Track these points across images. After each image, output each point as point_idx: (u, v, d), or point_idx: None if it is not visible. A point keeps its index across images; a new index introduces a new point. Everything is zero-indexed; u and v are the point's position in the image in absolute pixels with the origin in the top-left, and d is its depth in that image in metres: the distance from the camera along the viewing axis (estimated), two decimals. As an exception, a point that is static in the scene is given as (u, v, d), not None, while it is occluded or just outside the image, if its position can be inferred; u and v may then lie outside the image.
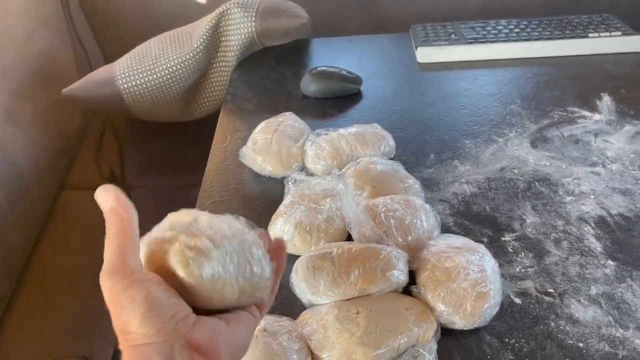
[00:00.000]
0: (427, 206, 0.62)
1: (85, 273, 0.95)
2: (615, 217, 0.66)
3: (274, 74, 1.04)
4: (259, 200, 0.73)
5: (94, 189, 1.18)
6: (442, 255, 0.55)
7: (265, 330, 0.50)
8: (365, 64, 1.04)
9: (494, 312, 0.52)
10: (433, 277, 0.54)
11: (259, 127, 0.80)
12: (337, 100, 0.93)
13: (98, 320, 0.87)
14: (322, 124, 0.86)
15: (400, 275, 0.54)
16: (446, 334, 0.53)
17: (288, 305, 0.57)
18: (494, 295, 0.52)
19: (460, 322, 0.51)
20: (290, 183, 0.70)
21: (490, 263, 0.54)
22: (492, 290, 0.51)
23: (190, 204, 0.76)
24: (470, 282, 0.51)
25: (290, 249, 0.62)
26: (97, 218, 1.12)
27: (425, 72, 1.01)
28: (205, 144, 0.87)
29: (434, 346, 0.51)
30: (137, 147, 1.25)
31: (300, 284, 0.55)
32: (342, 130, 0.77)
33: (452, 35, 1.04)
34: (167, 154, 1.20)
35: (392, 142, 0.77)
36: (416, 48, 1.03)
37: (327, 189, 0.66)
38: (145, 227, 1.12)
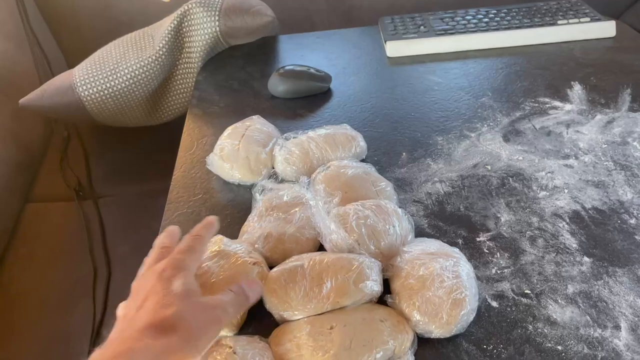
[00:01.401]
0: (400, 210, 0.61)
1: (52, 291, 0.92)
2: (589, 211, 0.65)
3: (241, 73, 1.01)
4: (228, 210, 0.70)
5: (61, 200, 1.13)
6: (416, 262, 0.53)
7: (235, 353, 0.48)
8: (335, 60, 1.02)
9: (471, 319, 0.51)
10: (407, 285, 0.52)
11: (225, 133, 0.77)
12: (307, 100, 0.91)
13: (68, 339, 0.84)
14: (292, 125, 0.84)
15: (373, 286, 0.52)
16: (423, 343, 0.51)
17: (260, 321, 0.55)
18: (470, 302, 0.50)
19: (437, 331, 0.50)
20: (257, 193, 0.68)
21: (465, 268, 0.53)
22: (467, 296, 0.50)
23: (159, 212, 0.73)
24: (446, 290, 0.50)
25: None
26: (64, 230, 1.08)
27: (395, 66, 0.99)
28: (174, 147, 0.85)
29: (411, 358, 0.49)
30: (104, 154, 1.21)
31: (272, 299, 0.53)
32: (311, 133, 0.75)
33: (421, 27, 1.02)
34: (135, 160, 1.17)
35: (362, 143, 0.75)
36: (385, 42, 1.01)
37: (296, 197, 0.64)
38: (115, 237, 1.08)
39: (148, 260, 0.52)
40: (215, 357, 0.48)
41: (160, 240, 0.54)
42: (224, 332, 0.53)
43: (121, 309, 0.48)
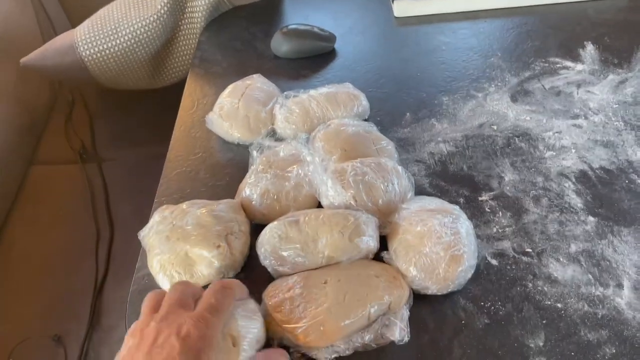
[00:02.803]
0: (400, 168, 0.59)
1: (56, 252, 0.92)
2: (596, 171, 0.63)
3: (244, 34, 0.99)
4: (228, 169, 0.69)
5: (65, 163, 1.13)
6: (413, 218, 0.52)
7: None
8: (341, 21, 0.99)
9: (469, 276, 0.50)
10: (404, 241, 0.51)
11: (225, 91, 0.76)
12: (310, 60, 0.89)
13: (70, 299, 0.85)
14: (295, 86, 0.82)
15: (369, 242, 0.51)
16: (419, 299, 0.51)
17: (256, 276, 0.54)
18: (468, 258, 0.49)
19: (433, 287, 0.49)
20: (254, 151, 0.66)
21: (464, 225, 0.51)
22: (466, 253, 0.49)
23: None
24: (443, 246, 0.49)
25: (259, 218, 0.59)
26: (68, 193, 1.08)
27: (403, 26, 0.96)
28: (176, 111, 0.83)
29: (406, 313, 0.49)
30: (108, 118, 1.20)
31: (267, 254, 0.52)
32: (312, 92, 0.73)
33: (430, -13, 0.99)
34: (139, 124, 1.16)
35: (365, 102, 0.73)
36: (392, 2, 0.98)
37: (294, 154, 0.62)
38: (117, 200, 1.08)
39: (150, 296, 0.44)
40: None
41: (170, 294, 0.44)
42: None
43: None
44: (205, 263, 0.53)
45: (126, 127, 1.19)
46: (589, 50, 0.83)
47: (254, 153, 0.66)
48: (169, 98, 1.13)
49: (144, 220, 0.69)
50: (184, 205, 0.57)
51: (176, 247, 0.52)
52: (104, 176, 1.06)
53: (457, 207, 0.54)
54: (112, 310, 0.82)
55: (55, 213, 0.99)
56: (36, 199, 1.02)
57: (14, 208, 0.99)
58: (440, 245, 0.48)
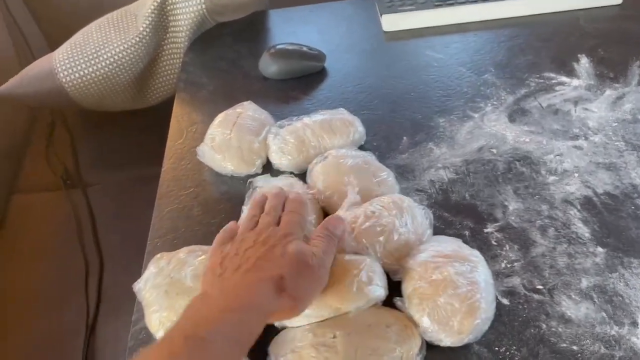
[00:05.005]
0: (416, 206, 0.57)
1: (42, 287, 0.89)
2: (601, 197, 0.62)
3: (230, 53, 0.96)
4: (222, 204, 0.67)
5: (47, 190, 1.07)
6: (429, 264, 0.50)
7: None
8: (328, 36, 0.97)
9: (485, 328, 0.48)
10: (418, 289, 0.49)
11: (216, 121, 0.73)
12: (300, 81, 0.86)
13: (60, 339, 0.82)
14: (286, 109, 0.80)
15: (377, 291, 0.49)
16: (432, 347, 0.49)
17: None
18: (485, 311, 0.47)
19: (447, 340, 0.47)
20: (246, 198, 0.63)
21: (482, 274, 0.49)
22: (482, 305, 0.47)
23: (150, 199, 0.70)
24: (459, 297, 0.47)
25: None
26: (52, 222, 1.04)
27: (392, 41, 0.94)
28: (162, 131, 0.81)
29: (420, 364, 0.47)
30: (90, 140, 1.16)
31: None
32: (306, 119, 0.71)
33: (419, -1, 0.97)
34: (123, 145, 1.13)
35: (361, 128, 0.71)
36: (381, 15, 0.96)
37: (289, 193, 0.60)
38: (105, 227, 1.04)
39: (244, 222, 0.53)
40: None
41: (264, 204, 0.55)
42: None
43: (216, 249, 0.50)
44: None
45: (109, 148, 1.15)
46: (583, 63, 0.82)
47: (247, 199, 0.63)
48: (151, 117, 1.10)
49: (134, 249, 0.67)
50: (181, 254, 0.54)
51: (175, 304, 0.50)
52: (90, 202, 1.02)
53: (476, 253, 0.52)
54: (106, 349, 0.79)
55: (40, 245, 0.96)
56: (19, 230, 0.98)
57: (-4, 241, 0.95)
58: (456, 296, 0.47)
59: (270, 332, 0.50)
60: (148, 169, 0.80)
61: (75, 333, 0.81)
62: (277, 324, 0.51)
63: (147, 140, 0.96)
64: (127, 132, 1.15)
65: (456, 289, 0.47)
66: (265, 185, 0.62)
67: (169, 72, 1.02)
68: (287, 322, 0.50)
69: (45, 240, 0.96)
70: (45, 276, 0.89)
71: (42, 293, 0.87)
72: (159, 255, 0.55)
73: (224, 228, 0.54)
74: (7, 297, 0.86)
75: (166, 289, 0.51)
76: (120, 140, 1.15)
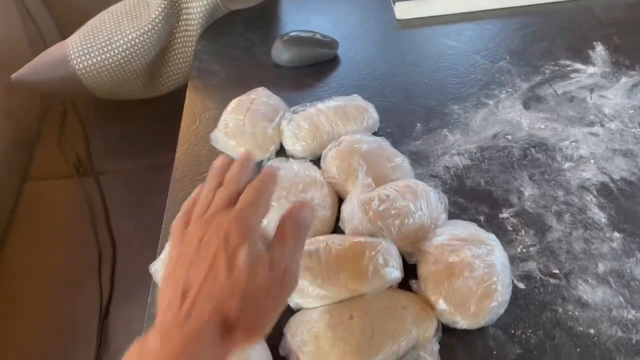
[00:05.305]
0: (431, 190, 0.57)
1: (57, 273, 0.89)
2: (617, 183, 0.62)
3: (242, 41, 0.95)
4: (236, 189, 0.67)
5: (60, 177, 1.08)
6: (445, 247, 0.50)
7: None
8: (341, 24, 0.97)
9: (501, 311, 0.48)
10: (435, 272, 0.49)
11: (229, 107, 0.73)
12: (313, 68, 0.86)
13: (75, 323, 0.82)
14: (299, 96, 0.80)
15: (393, 272, 0.49)
16: (448, 330, 0.49)
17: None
18: (502, 294, 0.47)
19: (462, 322, 0.47)
20: None
21: (499, 257, 0.49)
22: (499, 288, 0.47)
23: (163, 187, 0.70)
24: (476, 280, 0.47)
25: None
26: (65, 209, 1.04)
27: (406, 29, 0.94)
28: (175, 119, 0.81)
29: (436, 346, 0.47)
30: (103, 128, 1.16)
31: (287, 286, 0.50)
32: (320, 105, 0.71)
33: (432, -14, 0.96)
34: (135, 134, 1.13)
35: (375, 115, 0.71)
36: (394, 3, 0.96)
37: (306, 176, 0.60)
38: (118, 214, 1.05)
39: (201, 197, 0.45)
40: None
41: (224, 175, 0.46)
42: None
43: (173, 239, 0.44)
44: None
45: (122, 136, 1.15)
46: (599, 51, 0.81)
47: None
48: (163, 106, 1.10)
49: (147, 236, 0.67)
50: (196, 237, 0.54)
51: (192, 284, 0.50)
52: (102, 190, 1.03)
53: (493, 236, 0.52)
54: (120, 333, 0.80)
55: (53, 232, 0.96)
56: (33, 218, 0.99)
57: (9, 228, 0.96)
58: (472, 279, 0.47)
59: (287, 313, 0.51)
60: (160, 157, 0.80)
61: (89, 317, 0.81)
62: (292, 304, 0.51)
63: (159, 129, 0.96)
64: (139, 121, 1.15)
65: (473, 271, 0.47)
66: (279, 166, 0.62)
67: (181, 60, 1.02)
68: (304, 304, 0.50)
69: (58, 227, 0.97)
70: (58, 262, 0.90)
71: (56, 279, 0.88)
72: (174, 238, 0.55)
73: (182, 206, 0.47)
74: (21, 283, 0.87)
75: (182, 271, 0.51)
76: (132, 129, 1.15)
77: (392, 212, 0.53)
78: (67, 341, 0.79)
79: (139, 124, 1.14)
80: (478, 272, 0.47)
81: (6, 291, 0.85)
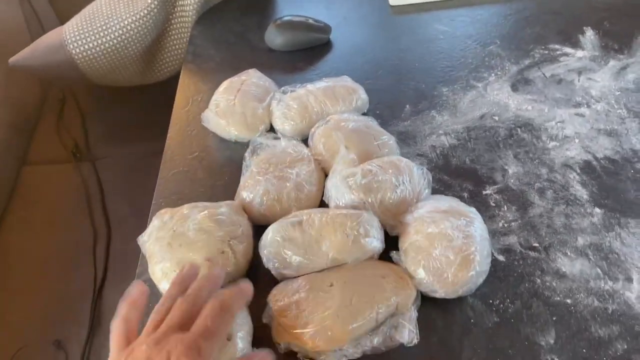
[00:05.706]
0: (413, 166, 0.57)
1: (52, 254, 0.91)
2: (601, 161, 0.62)
3: (237, 26, 0.96)
4: (226, 168, 0.68)
5: (58, 162, 1.10)
6: (426, 219, 0.50)
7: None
8: (335, 10, 0.97)
9: (480, 281, 0.49)
10: (414, 243, 0.50)
11: (221, 88, 0.74)
12: (306, 52, 0.87)
13: (69, 302, 0.84)
14: (291, 79, 0.81)
15: (373, 242, 0.50)
16: (427, 299, 0.50)
17: (259, 279, 0.53)
18: (480, 264, 0.48)
19: (441, 291, 0.48)
20: (247, 154, 0.64)
21: (479, 229, 0.50)
22: (477, 258, 0.48)
23: (157, 172, 0.71)
24: (454, 249, 0.47)
25: (259, 220, 0.58)
26: (62, 193, 1.06)
27: (399, 15, 0.95)
28: (171, 106, 0.82)
29: (414, 314, 0.48)
30: (100, 115, 1.18)
31: (271, 257, 0.51)
32: (309, 86, 0.72)
33: (425, -27, 0.97)
34: (132, 121, 1.14)
35: (364, 96, 0.72)
36: (387, -11, 0.96)
37: (293, 153, 0.61)
38: (114, 199, 1.06)
39: (156, 306, 0.43)
40: None
41: (188, 284, 0.44)
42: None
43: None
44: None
45: (119, 123, 1.17)
46: (589, 35, 0.82)
47: (246, 156, 0.64)
48: (161, 93, 1.11)
49: (141, 219, 0.68)
50: (184, 209, 0.56)
51: (178, 254, 0.51)
52: (99, 175, 1.04)
53: (473, 210, 0.53)
54: (112, 313, 0.81)
55: (50, 214, 0.98)
56: (30, 201, 1.00)
57: (7, 211, 0.98)
58: (450, 248, 0.47)
59: (270, 283, 0.52)
60: (156, 143, 0.81)
61: (83, 296, 0.83)
62: (275, 274, 0.52)
63: (156, 116, 0.97)
64: (136, 108, 1.16)
65: (451, 241, 0.48)
66: (267, 143, 0.63)
67: (177, 46, 1.04)
68: (287, 274, 0.51)
69: (55, 210, 0.98)
70: (55, 244, 0.91)
71: (52, 260, 0.89)
72: (163, 211, 0.57)
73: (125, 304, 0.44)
74: (19, 263, 0.89)
75: (169, 241, 0.52)
76: (129, 116, 1.16)
77: (374, 185, 0.54)
78: (61, 320, 0.80)
79: (136, 111, 1.16)
80: (456, 242, 0.47)
81: (3, 271, 0.87)
